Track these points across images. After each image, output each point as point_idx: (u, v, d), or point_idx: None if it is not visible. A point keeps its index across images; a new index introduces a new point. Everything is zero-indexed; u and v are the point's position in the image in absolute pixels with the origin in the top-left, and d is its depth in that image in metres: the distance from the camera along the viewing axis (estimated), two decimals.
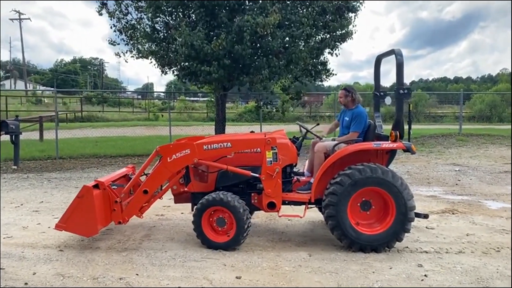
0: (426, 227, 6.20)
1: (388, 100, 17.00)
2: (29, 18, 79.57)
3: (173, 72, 12.53)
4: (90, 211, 4.95)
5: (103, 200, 5.16)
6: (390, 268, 4.64)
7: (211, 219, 5.21)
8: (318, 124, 6.37)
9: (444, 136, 20.38)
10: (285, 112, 16.98)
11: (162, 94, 48.23)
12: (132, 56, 13.19)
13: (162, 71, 12.37)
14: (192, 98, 51.23)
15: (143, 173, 5.48)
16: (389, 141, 5.24)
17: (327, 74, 15.24)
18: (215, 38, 10.67)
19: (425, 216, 5.59)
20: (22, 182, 9.83)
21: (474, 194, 8.60)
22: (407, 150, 5.18)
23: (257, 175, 5.29)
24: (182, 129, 21.16)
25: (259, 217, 6.60)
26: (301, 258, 4.93)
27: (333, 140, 5.80)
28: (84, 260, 4.85)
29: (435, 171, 11.46)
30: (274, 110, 17.05)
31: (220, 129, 14.90)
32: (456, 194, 8.60)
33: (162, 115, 29.17)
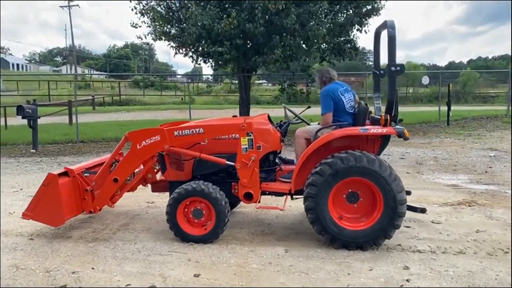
0: (432, 221, 5.55)
1: (425, 80, 16.14)
2: (77, 5, 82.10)
3: (187, 54, 12.20)
4: (56, 200, 4.74)
5: (72, 188, 4.93)
6: (370, 269, 4.10)
7: (186, 210, 4.86)
8: (309, 107, 5.82)
9: (488, 118, 18.99)
10: (309, 94, 16.34)
11: (210, 77, 48.33)
12: (152, 39, 13.01)
13: (177, 53, 12.08)
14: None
15: (114, 161, 5.19)
16: (379, 126, 4.62)
17: (356, 52, 14.42)
18: (225, 16, 10.19)
19: (422, 211, 4.97)
20: (33, 166, 9.96)
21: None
22: (399, 135, 4.55)
23: (232, 163, 4.86)
24: (212, 112, 20.96)
25: (250, 207, 6.18)
26: (275, 255, 4.50)
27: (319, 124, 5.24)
28: (48, 251, 4.67)
29: (466, 156, 10.52)
30: (299, 91, 16.42)
31: (244, 112, 14.54)
32: (481, 183, 7.76)
33: (182, 99, 29.04)
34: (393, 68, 4.54)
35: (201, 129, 4.91)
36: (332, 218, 4.56)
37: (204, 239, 4.79)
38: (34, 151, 11.55)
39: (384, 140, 4.87)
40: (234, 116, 5.82)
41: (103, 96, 27.76)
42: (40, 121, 16.30)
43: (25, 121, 11.34)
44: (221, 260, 4.37)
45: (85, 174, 5.15)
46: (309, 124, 5.37)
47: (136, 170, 5.20)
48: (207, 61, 11.94)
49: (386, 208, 4.47)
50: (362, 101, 5.24)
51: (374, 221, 4.54)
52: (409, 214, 5.46)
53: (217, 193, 4.72)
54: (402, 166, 9.48)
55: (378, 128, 4.57)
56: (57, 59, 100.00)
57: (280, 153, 5.36)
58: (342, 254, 4.49)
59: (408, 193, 5.46)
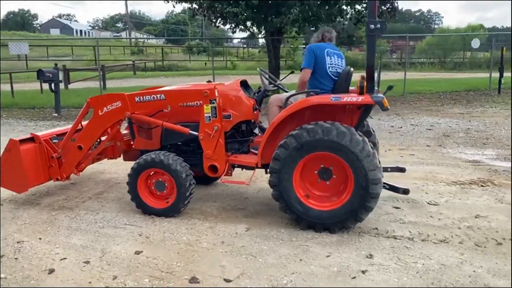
0: (429, 203, 4.93)
1: (475, 43, 14.70)
2: None
3: (205, 16, 11.72)
4: (18, 166, 4.62)
5: (38, 155, 4.79)
6: (328, 256, 3.65)
7: (149, 181, 4.59)
8: (292, 72, 5.26)
9: None
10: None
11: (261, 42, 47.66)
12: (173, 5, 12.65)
13: (196, 14, 11.63)
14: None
15: (78, 126, 4.98)
16: (355, 94, 4.03)
17: (392, 14, 13.30)
18: None
19: (404, 192, 4.40)
20: (49, 129, 10.09)
21: None
22: (378, 105, 3.94)
23: (196, 133, 4.49)
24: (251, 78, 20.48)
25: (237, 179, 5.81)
26: (233, 233, 4.14)
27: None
28: (9, 217, 4.62)
29: (505, 129, 9.44)
30: None
31: None
32: (508, 160, 6.86)
33: (206, 63, 28.39)
34: (372, 26, 3.89)
35: (162, 95, 4.54)
36: (297, 196, 4.11)
37: (165, 213, 4.52)
38: (56, 115, 11.78)
39: (364, 110, 4.26)
40: (209, 81, 5.38)
41: (145, 62, 27.99)
42: (76, 85, 16.70)
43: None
44: (173, 237, 4.09)
45: (53, 141, 4.99)
46: (286, 91, 4.84)
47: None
48: (225, 23, 11.41)
49: (356, 187, 3.94)
50: (349, 66, 4.61)
51: (343, 201, 4.03)
52: (403, 195, 4.94)
53: (178, 165, 4.39)
54: (426, 138, 8.67)
55: (352, 97, 3.98)
56: (119, 25, 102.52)
57: (255, 123, 4.89)
58: (305, 236, 4.05)
59: (402, 170, 4.87)
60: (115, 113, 4.62)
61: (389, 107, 3.99)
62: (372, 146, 4.02)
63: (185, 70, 29.40)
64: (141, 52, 46.55)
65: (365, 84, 3.95)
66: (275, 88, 4.84)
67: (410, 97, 15.01)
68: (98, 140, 4.89)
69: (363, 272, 3.37)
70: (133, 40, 51.40)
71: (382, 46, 40.85)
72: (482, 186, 5.55)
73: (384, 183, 4.51)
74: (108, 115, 4.65)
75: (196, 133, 4.46)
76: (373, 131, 5.09)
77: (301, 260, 3.59)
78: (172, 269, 3.47)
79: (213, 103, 4.35)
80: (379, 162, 3.99)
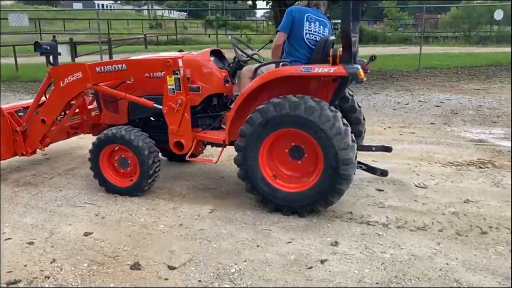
0: (417, 185, 4.53)
1: (498, 15, 13.81)
2: None
3: None
4: None
5: (2, 129, 4.57)
6: (289, 242, 3.34)
7: (113, 158, 4.33)
8: (271, 42, 4.83)
9: None
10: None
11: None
12: None
13: None
14: None
15: (42, 99, 4.72)
16: (327, 65, 3.62)
17: None
18: None
19: (382, 173, 4.02)
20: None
21: None
22: (352, 77, 3.53)
23: (160, 107, 4.17)
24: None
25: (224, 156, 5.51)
26: (195, 215, 3.87)
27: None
28: None
29: None
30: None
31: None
32: None
33: (209, 36, 27.58)
34: None
35: (123, 65, 4.22)
36: (264, 176, 3.78)
37: (128, 192, 4.27)
38: None
39: (341, 83, 3.85)
40: (180, 50, 5.02)
41: (157, 35, 27.63)
42: (83, 59, 16.51)
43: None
44: (130, 218, 3.84)
45: (19, 114, 4.76)
46: (262, 62, 4.45)
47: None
48: None
49: (326, 168, 3.58)
50: (329, 35, 4.17)
51: (312, 183, 3.68)
52: (392, 174, 4.58)
53: (140, 141, 4.10)
54: (431, 115, 8.14)
55: (324, 68, 3.57)
56: None
57: (227, 96, 4.53)
58: (271, 219, 3.74)
59: (388, 149, 4.47)
60: (76, 84, 4.33)
61: (364, 79, 3.56)
62: (346, 123, 3.63)
63: (198, 44, 28.92)
64: (159, 26, 46.14)
65: (338, 53, 3.53)
66: (249, 58, 4.45)
67: (425, 72, 14.28)
68: (63, 113, 4.63)
69: (322, 261, 3.04)
70: (153, 14, 50.96)
71: (404, 19, 39.36)
72: (481, 167, 5.09)
73: (361, 163, 4.14)
74: (69, 86, 4.37)
75: (160, 107, 4.15)
76: (359, 106, 4.69)
77: (258, 246, 3.28)
78: (117, 253, 3.21)
79: (177, 74, 4.00)
80: (353, 140, 3.61)
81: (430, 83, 12.25)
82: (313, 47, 4.07)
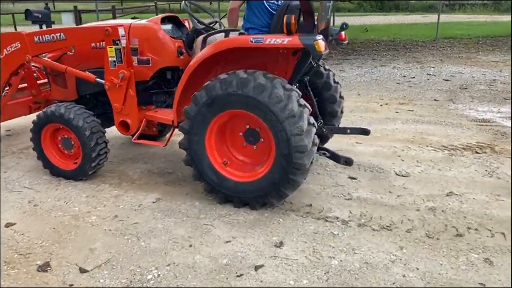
0: (397, 173, 4.00)
1: None
2: None
3: None
4: None
5: None
6: (228, 241, 2.92)
7: (56, 138, 3.94)
8: None
9: None
10: None
11: None
12: None
13: None
14: None
15: None
16: (282, 35, 3.08)
17: None
18: None
19: (347, 162, 3.50)
20: None
21: None
22: (308, 49, 2.98)
23: (103, 81, 3.72)
24: None
25: None
26: (136, 205, 3.47)
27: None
28: None
29: None
30: None
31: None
32: None
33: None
34: None
35: (62, 34, 3.76)
36: (211, 163, 3.32)
37: (73, 176, 3.89)
38: None
39: (301, 57, 3.29)
40: (134, 17, 4.50)
41: (169, 3, 26.83)
42: None
43: None
44: (65, 206, 3.47)
45: None
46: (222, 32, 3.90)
47: None
48: None
49: (278, 156, 3.10)
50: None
51: (264, 172, 3.21)
52: (373, 158, 4.07)
53: (81, 120, 3.68)
54: (437, 90, 7.45)
55: (276, 39, 3.03)
56: None
57: (183, 70, 4.02)
58: (218, 212, 3.30)
59: (365, 132, 3.94)
60: (15, 55, 3.91)
61: (324, 52, 3.00)
62: (304, 103, 3.11)
63: (214, 11, 28.02)
64: None
65: (292, 21, 2.97)
66: (203, 27, 3.91)
67: (443, 43, 13.34)
68: (7, 87, 4.23)
69: (256, 268, 2.61)
70: None
71: None
72: (477, 153, 4.50)
73: (325, 150, 3.62)
74: (8, 58, 3.96)
75: (103, 81, 3.69)
76: (336, 82, 4.13)
77: (191, 246, 2.86)
78: (31, 250, 2.85)
79: (117, 44, 3.52)
80: (311, 124, 3.09)
81: (445, 55, 11.39)
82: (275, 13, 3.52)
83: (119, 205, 3.46)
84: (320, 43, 2.97)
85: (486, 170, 4.03)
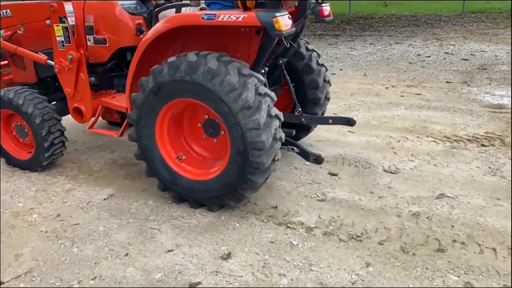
0: (385, 169, 3.54)
1: None
2: None
3: None
4: None
5: None
6: (169, 251, 2.55)
7: (11, 125, 3.65)
8: None
9: None
10: None
11: None
12: None
13: None
14: None
15: None
16: (238, 10, 2.62)
17: None
18: None
19: (316, 160, 3.04)
20: None
21: None
22: (266, 28, 2.53)
23: (53, 63, 3.37)
24: None
25: None
26: (86, 202, 3.15)
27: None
28: None
29: None
30: None
31: None
32: None
33: None
34: None
35: (8, 10, 3.40)
36: (163, 158, 2.94)
37: (28, 166, 3.60)
38: None
39: (265, 37, 2.83)
40: None
41: None
42: None
43: None
44: (8, 202, 3.20)
45: None
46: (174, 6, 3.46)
47: None
48: None
49: (233, 152, 2.69)
50: None
51: (219, 171, 2.81)
52: (363, 151, 3.65)
53: (31, 106, 3.36)
54: (452, 71, 6.80)
55: (230, 15, 2.57)
56: None
57: None
58: (171, 213, 2.96)
59: (350, 122, 3.49)
60: None
61: (287, 32, 2.54)
62: (265, 92, 2.68)
63: None
64: None
65: None
66: (164, 1, 3.47)
67: (469, 18, 12.41)
68: None
69: (191, 286, 2.23)
70: None
71: None
72: (483, 145, 3.97)
73: (295, 145, 3.17)
74: None
75: (53, 63, 3.34)
76: (320, 64, 3.66)
77: (126, 255, 2.52)
78: None
79: (64, 22, 3.14)
80: (272, 116, 2.66)
81: (470, 31, 10.54)
82: None
83: (66, 202, 3.15)
84: (281, 20, 2.50)
85: (490, 167, 3.51)
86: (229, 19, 2.57)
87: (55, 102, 3.62)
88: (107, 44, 3.37)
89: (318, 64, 3.66)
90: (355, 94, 5.72)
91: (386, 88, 5.99)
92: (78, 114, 3.44)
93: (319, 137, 4.21)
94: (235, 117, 2.56)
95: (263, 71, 3.08)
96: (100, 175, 3.57)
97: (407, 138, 4.19)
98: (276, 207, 2.97)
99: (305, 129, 3.78)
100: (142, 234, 2.72)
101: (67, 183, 3.45)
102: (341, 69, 7.22)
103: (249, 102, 2.55)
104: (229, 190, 2.77)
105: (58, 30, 3.17)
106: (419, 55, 8.07)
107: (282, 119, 2.80)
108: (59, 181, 3.48)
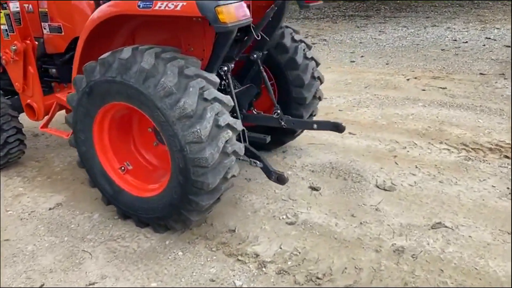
0: (378, 185, 3.00)
1: None
2: None
3: None
4: None
5: None
6: (92, 284, 2.16)
7: None
8: None
9: None
10: None
11: None
12: None
13: None
14: None
15: None
16: None
17: None
18: None
19: (279, 179, 2.52)
20: None
21: None
22: (207, 18, 2.03)
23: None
24: None
25: None
26: (26, 212, 2.86)
27: None
28: None
29: None
30: None
31: None
32: None
33: None
34: None
35: None
36: (104, 169, 2.54)
37: None
38: None
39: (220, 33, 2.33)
40: None
41: None
42: None
43: None
44: None
45: None
46: None
47: None
48: None
49: (174, 169, 2.24)
50: None
51: (160, 189, 2.39)
52: (360, 158, 3.15)
53: None
54: (489, 60, 5.98)
55: (168, 3, 2.09)
56: None
57: None
58: (113, 232, 2.59)
59: (338, 128, 2.96)
60: None
61: (230, 23, 2.03)
62: (214, 97, 2.20)
63: None
64: None
65: None
66: None
67: None
68: None
69: None
70: None
71: None
72: (506, 157, 3.31)
73: (258, 158, 2.65)
74: None
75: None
76: (308, 58, 3.12)
77: (42, 285, 2.15)
78: None
79: (5, 8, 2.77)
80: (229, 126, 2.19)
81: None
82: None
83: (9, 210, 2.85)
84: (226, 10, 2.00)
85: (508, 188, 2.88)
86: (166, 8, 2.09)
87: (9, 97, 3.29)
88: (63, 33, 2.99)
89: (305, 57, 3.12)
90: (370, 86, 5.09)
91: (408, 79, 5.31)
92: (31, 111, 3.10)
93: (313, 140, 3.69)
94: (172, 127, 2.11)
95: (226, 68, 2.60)
96: (59, 178, 3.24)
97: (416, 144, 3.58)
98: (234, 231, 2.52)
99: (290, 132, 3.27)
100: (70, 258, 2.36)
101: (21, 185, 3.15)
102: (362, 56, 6.54)
103: (187, 110, 2.08)
104: (173, 212, 2.34)
105: (1, 18, 2.81)
106: (455, 40, 7.22)
107: (240, 128, 2.32)
108: (14, 183, 3.19)
